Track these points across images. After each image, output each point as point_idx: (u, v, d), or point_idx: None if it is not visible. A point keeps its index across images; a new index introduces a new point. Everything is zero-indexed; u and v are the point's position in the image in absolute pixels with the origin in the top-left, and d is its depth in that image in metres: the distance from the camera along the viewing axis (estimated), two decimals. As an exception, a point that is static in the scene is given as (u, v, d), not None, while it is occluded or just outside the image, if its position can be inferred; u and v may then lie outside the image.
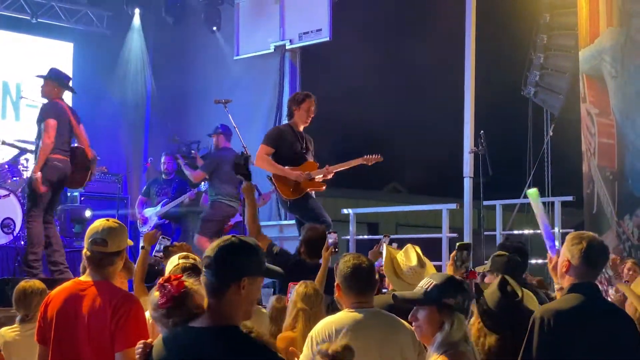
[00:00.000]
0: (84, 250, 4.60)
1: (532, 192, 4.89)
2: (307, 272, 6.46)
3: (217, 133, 11.72)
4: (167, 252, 6.19)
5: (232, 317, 3.30)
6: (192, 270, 4.86)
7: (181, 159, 12.53)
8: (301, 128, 9.09)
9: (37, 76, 9.49)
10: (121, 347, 4.33)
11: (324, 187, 9.17)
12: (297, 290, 5.48)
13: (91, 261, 4.58)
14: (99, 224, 4.62)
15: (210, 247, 3.34)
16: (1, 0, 14.61)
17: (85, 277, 4.62)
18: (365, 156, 9.28)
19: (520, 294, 4.24)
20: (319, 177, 9.01)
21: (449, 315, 3.73)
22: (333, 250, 6.74)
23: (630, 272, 8.94)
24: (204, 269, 3.33)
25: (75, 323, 4.46)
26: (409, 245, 5.56)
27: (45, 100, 9.32)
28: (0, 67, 14.71)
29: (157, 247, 6.66)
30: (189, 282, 3.69)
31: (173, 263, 5.07)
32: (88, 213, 12.60)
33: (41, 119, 9.10)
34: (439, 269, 10.42)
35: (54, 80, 9.34)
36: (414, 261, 5.39)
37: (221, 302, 3.29)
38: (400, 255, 5.49)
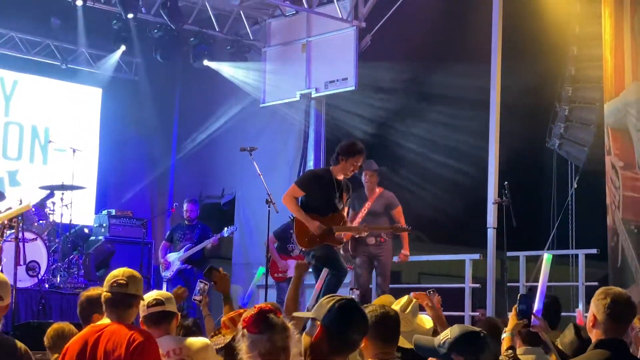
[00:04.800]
0: (103, 293, 4.71)
1: (549, 257, 4.98)
2: None
3: None
4: (210, 274, 6.21)
5: None
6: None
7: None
8: (340, 177, 8.77)
9: None
10: None
11: (341, 244, 9.03)
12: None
13: (110, 302, 4.71)
14: (120, 269, 4.83)
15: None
16: (32, 46, 14.86)
17: (103, 321, 4.74)
18: (395, 225, 9.42)
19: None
20: (339, 232, 8.83)
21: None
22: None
23: None
24: None
25: None
26: (405, 296, 5.55)
27: None
28: (30, 112, 14.91)
29: (195, 291, 6.69)
30: None
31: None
32: (110, 246, 12.70)
33: None
34: (459, 319, 10.42)
35: None
36: (401, 307, 5.37)
37: None
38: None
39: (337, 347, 3.41)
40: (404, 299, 5.37)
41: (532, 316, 4.86)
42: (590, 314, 4.30)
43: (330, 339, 3.41)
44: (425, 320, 5.47)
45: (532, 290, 11.96)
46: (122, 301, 4.71)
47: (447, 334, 3.82)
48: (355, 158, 8.69)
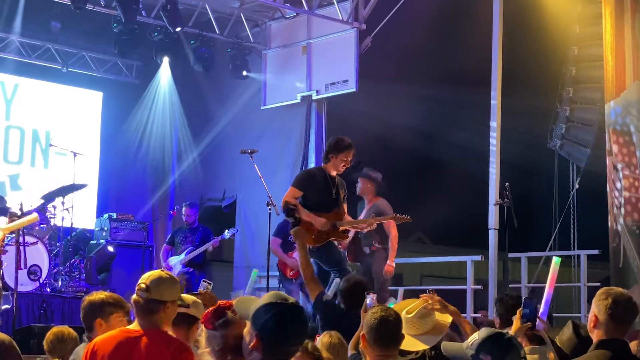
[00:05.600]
0: (133, 295, 4.65)
1: (557, 260, 5.07)
2: (348, 322, 6.39)
3: None
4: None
5: None
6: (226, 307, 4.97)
7: None
8: (334, 174, 8.95)
9: None
10: None
11: (346, 240, 9.15)
12: (321, 340, 5.47)
13: (135, 306, 4.61)
14: (150, 272, 4.67)
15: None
16: (33, 50, 14.86)
17: (134, 326, 4.62)
18: (396, 215, 9.31)
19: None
20: (343, 227, 8.98)
21: None
22: None
23: None
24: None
25: None
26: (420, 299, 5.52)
27: None
28: (31, 115, 14.92)
29: (198, 291, 6.68)
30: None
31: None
32: (111, 248, 12.69)
33: None
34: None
35: None
36: (408, 310, 5.34)
37: None
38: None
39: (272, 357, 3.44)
40: (411, 302, 5.33)
41: (537, 319, 4.86)
42: (591, 314, 4.30)
43: (264, 349, 3.43)
44: (444, 317, 5.42)
45: (534, 292, 11.96)
46: (144, 307, 4.57)
47: (475, 337, 3.82)
48: (344, 153, 8.87)
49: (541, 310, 4.86)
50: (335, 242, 9.03)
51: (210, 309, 4.08)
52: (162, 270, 4.73)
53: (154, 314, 4.59)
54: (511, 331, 4.96)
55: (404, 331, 5.13)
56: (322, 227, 8.68)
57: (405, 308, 5.34)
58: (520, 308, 5.03)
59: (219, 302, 4.15)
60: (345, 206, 9.11)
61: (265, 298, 3.61)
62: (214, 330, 3.99)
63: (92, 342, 4.69)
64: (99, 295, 5.36)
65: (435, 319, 5.29)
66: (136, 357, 4.47)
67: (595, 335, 4.27)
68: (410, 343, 5.07)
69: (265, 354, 3.41)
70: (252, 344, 3.42)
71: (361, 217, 10.12)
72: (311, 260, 8.87)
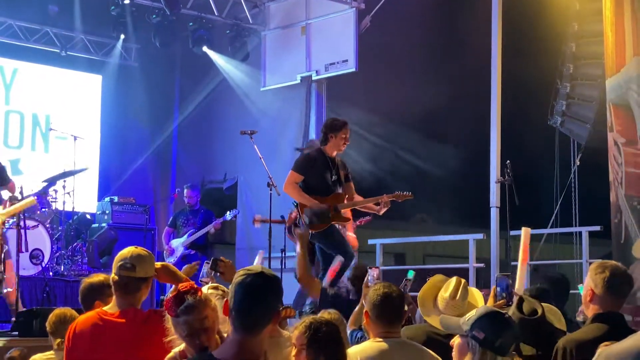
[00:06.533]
0: (112, 275, 4.62)
1: (526, 231, 5.12)
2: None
3: None
4: (216, 265, 6.21)
5: (262, 354, 3.32)
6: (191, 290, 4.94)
7: None
8: (334, 154, 8.97)
9: None
10: None
11: (349, 222, 9.15)
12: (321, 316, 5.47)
13: (118, 286, 4.59)
14: (128, 250, 4.65)
15: (243, 283, 3.33)
16: (31, 34, 14.82)
17: (110, 307, 4.63)
18: (396, 192, 9.26)
19: (539, 311, 4.24)
20: (345, 210, 8.97)
21: (474, 349, 3.70)
22: None
23: None
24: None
25: (101, 354, 4.48)
26: (454, 278, 5.46)
27: None
28: (30, 100, 14.88)
29: (202, 273, 6.69)
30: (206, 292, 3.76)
31: (204, 292, 5.10)
32: (113, 233, 12.69)
33: None
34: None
35: None
36: (450, 294, 5.29)
37: (256, 339, 3.30)
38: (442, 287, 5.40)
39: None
40: (452, 281, 5.26)
41: (514, 295, 4.85)
42: (586, 288, 4.28)
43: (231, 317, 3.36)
44: (478, 297, 5.38)
45: (537, 270, 11.96)
46: (131, 286, 4.58)
47: (473, 313, 3.81)
48: (343, 131, 8.89)
49: (517, 285, 4.84)
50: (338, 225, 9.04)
51: (170, 295, 4.00)
52: (136, 247, 4.70)
53: (136, 292, 4.61)
54: None
55: (443, 312, 5.10)
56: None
57: (440, 288, 5.27)
58: (495, 286, 5.01)
59: (179, 285, 4.09)
60: (351, 185, 9.11)
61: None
62: (176, 317, 3.94)
63: (73, 323, 4.73)
64: (97, 277, 5.38)
65: (468, 299, 5.28)
66: (115, 339, 4.48)
67: (591, 310, 4.26)
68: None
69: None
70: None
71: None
72: (316, 245, 8.92)
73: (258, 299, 3.31)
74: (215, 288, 5.08)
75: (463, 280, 5.26)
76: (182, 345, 4.02)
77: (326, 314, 5.47)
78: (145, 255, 4.64)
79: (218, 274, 6.28)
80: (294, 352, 4.01)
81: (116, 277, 4.59)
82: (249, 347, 3.29)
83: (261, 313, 3.31)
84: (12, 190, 10.16)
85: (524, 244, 5.05)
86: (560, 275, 7.66)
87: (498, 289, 4.95)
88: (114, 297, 4.66)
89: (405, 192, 9.20)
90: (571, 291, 7.43)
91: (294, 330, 4.06)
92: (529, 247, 5.10)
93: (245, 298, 3.30)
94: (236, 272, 3.42)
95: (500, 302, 4.95)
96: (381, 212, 9.22)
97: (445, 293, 5.23)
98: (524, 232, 5.08)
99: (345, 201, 9.01)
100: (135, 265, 4.56)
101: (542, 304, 4.51)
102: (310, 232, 8.82)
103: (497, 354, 3.66)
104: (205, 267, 6.61)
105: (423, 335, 4.91)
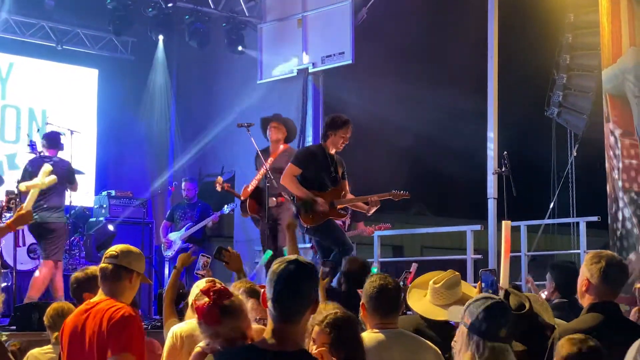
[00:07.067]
0: (101, 264, 4.76)
1: (506, 224, 5.08)
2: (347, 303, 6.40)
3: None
4: (220, 254, 6.23)
5: (303, 342, 3.35)
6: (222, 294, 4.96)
7: None
8: (333, 151, 9.00)
9: None
10: (114, 351, 4.41)
11: (345, 217, 9.16)
12: None
13: (101, 274, 4.73)
14: (119, 245, 4.83)
15: (281, 273, 3.32)
16: (27, 28, 14.79)
17: (96, 297, 4.75)
18: (393, 191, 9.24)
19: (527, 305, 4.24)
20: (341, 206, 8.97)
21: (469, 336, 3.72)
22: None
23: None
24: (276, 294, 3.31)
25: (81, 343, 4.57)
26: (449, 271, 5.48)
27: None
28: (27, 94, 14.86)
29: (197, 265, 6.70)
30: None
31: (200, 286, 5.11)
32: (111, 227, 12.67)
33: None
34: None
35: None
36: (435, 280, 5.31)
37: (296, 327, 3.31)
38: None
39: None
40: (446, 272, 5.29)
41: (499, 288, 4.86)
42: (582, 278, 4.28)
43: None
44: (469, 289, 5.39)
45: (535, 260, 11.96)
46: (112, 273, 4.68)
47: (470, 301, 3.82)
48: (343, 129, 8.90)
49: (502, 279, 4.85)
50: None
51: (205, 303, 3.95)
52: (124, 244, 4.85)
53: (119, 281, 4.70)
54: None
55: (429, 300, 5.13)
56: (322, 208, 8.72)
57: (434, 277, 5.32)
58: (480, 281, 5.02)
59: (219, 289, 4.03)
60: (346, 183, 9.12)
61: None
62: (218, 325, 3.89)
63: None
64: (84, 271, 5.59)
65: (462, 291, 5.27)
66: (87, 328, 4.56)
67: (586, 300, 4.26)
68: (434, 311, 5.07)
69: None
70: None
71: (268, 163, 9.85)
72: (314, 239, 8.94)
73: (297, 288, 3.31)
74: (213, 282, 5.08)
75: (456, 273, 5.28)
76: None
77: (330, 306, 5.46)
78: (133, 251, 4.79)
79: (223, 263, 6.32)
80: (313, 346, 4.02)
81: (100, 265, 4.74)
82: (291, 336, 3.31)
83: (300, 302, 3.33)
84: (75, 190, 10.65)
85: (506, 237, 5.05)
86: (569, 263, 7.65)
87: (483, 284, 4.96)
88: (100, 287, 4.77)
89: (402, 191, 9.19)
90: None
91: (313, 324, 4.06)
92: (510, 240, 5.10)
93: (284, 288, 3.30)
94: (274, 262, 3.40)
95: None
96: (370, 213, 9.22)
97: (432, 279, 5.26)
98: (505, 226, 5.08)
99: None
100: (118, 254, 4.70)
101: (528, 294, 4.51)
102: (306, 226, 8.83)
103: (485, 338, 3.64)
104: (201, 260, 6.62)
105: (411, 327, 4.93)
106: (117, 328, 4.48)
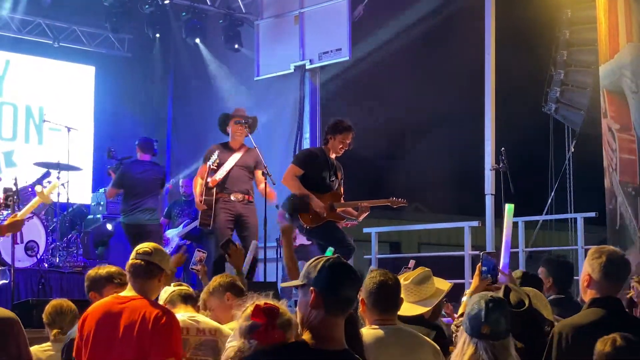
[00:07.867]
0: (128, 262, 4.71)
1: (510, 208, 5.19)
2: None
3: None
4: (227, 247, 6.25)
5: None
6: (189, 298, 5.18)
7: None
8: (333, 156, 9.03)
9: None
10: (161, 356, 4.43)
11: (344, 220, 9.16)
12: None
13: (133, 270, 4.68)
14: (146, 243, 4.81)
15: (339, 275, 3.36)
16: (23, 25, 14.77)
17: (126, 292, 4.71)
18: (392, 198, 9.25)
19: (527, 302, 4.25)
20: (341, 209, 8.97)
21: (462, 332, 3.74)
22: None
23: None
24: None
25: (112, 338, 4.53)
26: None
27: None
28: (24, 92, 14.85)
29: (193, 261, 6.71)
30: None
31: (168, 291, 5.21)
32: (109, 226, 12.66)
33: None
34: (460, 287, 10.42)
35: None
36: (405, 277, 5.32)
37: (341, 327, 3.37)
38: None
39: (334, 307, 3.37)
40: (418, 271, 5.31)
41: (499, 272, 4.88)
42: (584, 274, 4.29)
43: (326, 301, 3.36)
44: (442, 283, 5.39)
45: (532, 257, 11.97)
46: (145, 270, 4.66)
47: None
48: (343, 135, 8.89)
49: (502, 263, 4.87)
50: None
51: (263, 321, 3.69)
52: (155, 243, 4.84)
53: (151, 279, 4.68)
54: (468, 291, 4.99)
55: (403, 298, 5.14)
56: (319, 210, 8.76)
57: (404, 275, 5.34)
58: (479, 264, 5.03)
59: (266, 308, 3.88)
60: (341, 190, 9.17)
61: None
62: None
63: (88, 308, 4.79)
64: (95, 270, 5.57)
65: (433, 286, 5.27)
66: (122, 319, 4.53)
67: (588, 295, 4.26)
68: (409, 308, 5.08)
69: (327, 304, 3.33)
70: (311, 301, 3.33)
71: (235, 159, 9.92)
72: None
73: (352, 278, 3.38)
74: (180, 285, 5.16)
75: (426, 269, 5.29)
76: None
77: None
78: (164, 250, 4.83)
79: (226, 254, 6.34)
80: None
81: (131, 262, 4.70)
82: (341, 327, 3.37)
83: (357, 292, 3.45)
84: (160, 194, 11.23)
85: (507, 222, 5.10)
86: (563, 258, 7.65)
87: (484, 268, 4.97)
88: (128, 285, 4.74)
89: (400, 199, 9.21)
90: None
91: None
92: (512, 224, 5.15)
93: (343, 280, 3.35)
94: (312, 259, 3.42)
95: (487, 280, 4.97)
96: (360, 219, 9.24)
97: (400, 277, 5.27)
98: (507, 209, 5.13)
99: None
100: (152, 251, 4.69)
101: (527, 288, 4.51)
102: (306, 226, 8.83)
103: (472, 336, 3.69)
104: (197, 255, 6.64)
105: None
106: (165, 331, 4.49)
